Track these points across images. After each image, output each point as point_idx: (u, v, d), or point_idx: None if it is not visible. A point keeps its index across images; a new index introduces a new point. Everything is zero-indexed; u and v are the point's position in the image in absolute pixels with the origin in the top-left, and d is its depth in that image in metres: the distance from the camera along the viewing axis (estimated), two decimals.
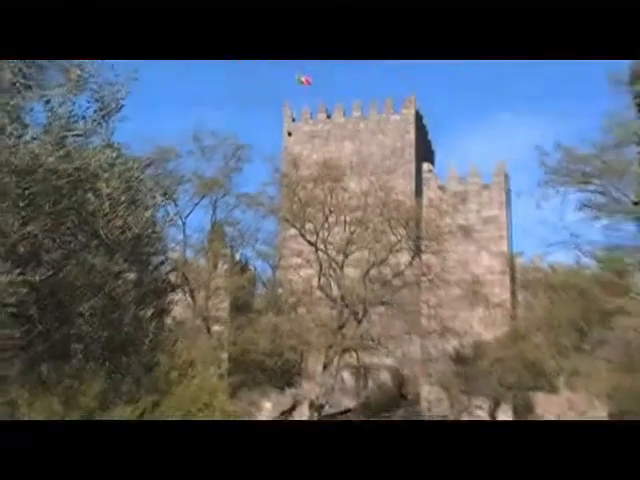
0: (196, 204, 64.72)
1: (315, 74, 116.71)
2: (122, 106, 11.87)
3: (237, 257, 69.34)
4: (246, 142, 64.83)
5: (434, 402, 67.05)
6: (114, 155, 11.47)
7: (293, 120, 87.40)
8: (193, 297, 64.14)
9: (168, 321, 15.15)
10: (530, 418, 69.99)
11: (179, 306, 65.99)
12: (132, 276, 12.44)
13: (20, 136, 10.71)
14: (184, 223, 65.13)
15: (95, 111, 11.60)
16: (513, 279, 69.00)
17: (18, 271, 10.08)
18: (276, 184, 68.35)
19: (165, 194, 53.24)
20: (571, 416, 71.68)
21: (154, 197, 12.68)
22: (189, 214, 64.98)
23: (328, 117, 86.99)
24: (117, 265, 11.88)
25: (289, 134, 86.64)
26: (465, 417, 63.25)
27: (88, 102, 11.63)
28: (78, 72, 10.92)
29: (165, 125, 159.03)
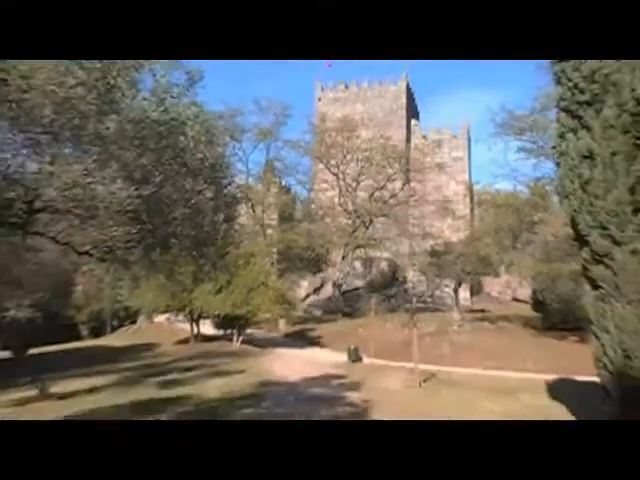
0: (255, 147, 66.06)
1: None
2: (203, 77, 12.52)
3: (283, 183, 70.66)
4: (289, 104, 65.55)
5: (416, 283, 68.58)
6: (197, 110, 12.19)
7: (322, 89, 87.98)
8: (254, 210, 65.05)
9: (235, 226, 15.83)
10: (481, 294, 71.32)
11: (244, 216, 68.13)
12: (210, 193, 13.20)
13: (134, 97, 11.48)
14: (247, 159, 66.48)
15: (186, 80, 12.24)
16: (472, 199, 70.10)
17: (134, 188, 10.95)
18: (310, 133, 69.59)
19: (232, 137, 54.58)
20: (508, 293, 73.03)
21: (224, 138, 13.43)
22: (251, 153, 66.32)
23: (346, 87, 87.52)
24: (199, 185, 12.75)
25: (319, 99, 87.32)
26: (437, 293, 64.64)
27: (180, 74, 12.17)
28: None
29: (234, 91, 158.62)
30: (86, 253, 13.23)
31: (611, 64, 12.89)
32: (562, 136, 14.11)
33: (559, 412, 18.83)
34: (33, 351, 49.92)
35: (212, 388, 25.30)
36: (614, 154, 12.64)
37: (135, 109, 11.03)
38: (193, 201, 12.63)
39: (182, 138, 11.72)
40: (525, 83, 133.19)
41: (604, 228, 12.67)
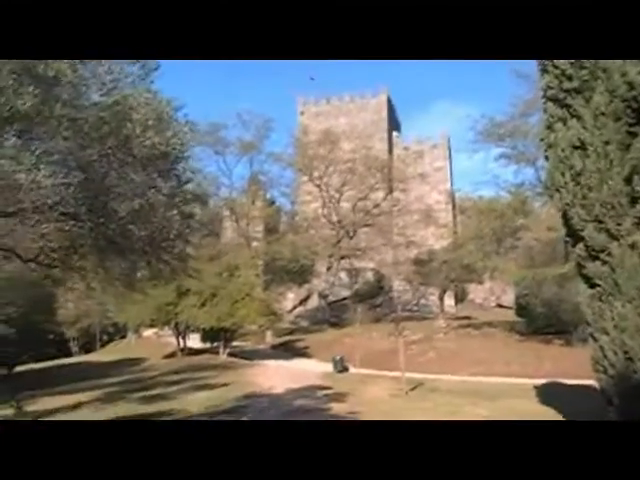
0: (239, 160, 65.34)
1: (320, 73, 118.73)
2: (159, 66, 11.26)
3: (267, 196, 69.63)
4: (272, 117, 65.06)
5: (402, 292, 67.84)
6: (148, 96, 10.92)
7: (304, 104, 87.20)
8: (238, 223, 64.64)
9: (194, 224, 14.36)
10: (465, 301, 70.56)
11: (229, 230, 67.42)
12: (165, 189, 11.85)
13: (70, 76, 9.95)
14: (231, 173, 66.26)
15: (139, 68, 10.95)
16: (454, 207, 69.51)
17: (61, 175, 9.60)
18: (293, 146, 68.61)
19: (216, 151, 53.97)
20: (492, 300, 72.30)
21: (183, 129, 11.93)
22: (234, 167, 66.03)
23: (328, 101, 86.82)
24: (151, 178, 11.35)
25: (301, 113, 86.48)
26: (422, 301, 63.89)
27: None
28: None
29: (218, 105, 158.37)
30: (32, 260, 11.94)
31: None
32: (550, 127, 13.03)
33: (547, 415, 17.86)
34: (21, 368, 49.44)
35: (195, 402, 24.45)
36: (607, 143, 11.55)
37: (68, 89, 9.64)
38: (146, 196, 11.23)
39: (129, 125, 10.36)
40: (502, 93, 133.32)
41: (600, 222, 11.57)
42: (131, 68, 10.79)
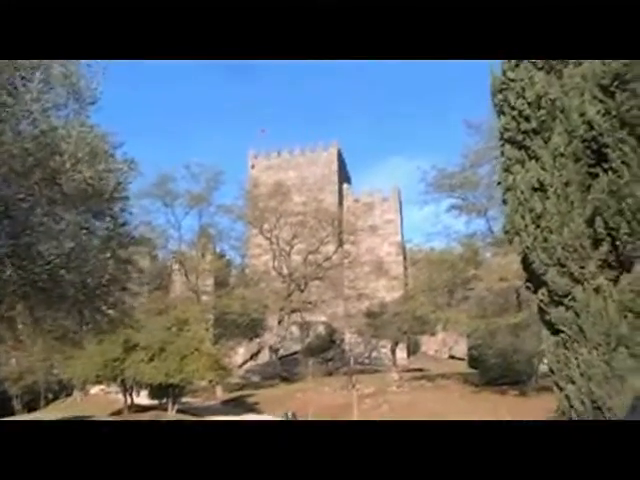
0: (187, 213, 64.40)
1: (270, 127, 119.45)
2: (97, 99, 10.50)
3: (217, 249, 68.55)
4: (222, 169, 64.38)
5: (353, 344, 67.09)
6: (84, 129, 10.10)
7: (255, 157, 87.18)
8: (187, 277, 63.84)
9: (132, 273, 13.31)
10: (418, 353, 70.24)
11: (178, 283, 66.30)
12: (101, 231, 10.98)
13: None
14: (179, 225, 65.19)
15: (72, 99, 10.19)
16: (405, 259, 69.34)
17: None
18: (243, 198, 68.13)
19: (166, 205, 53.16)
20: (444, 351, 72.08)
21: (120, 163, 11.01)
22: (182, 219, 65.57)
23: (278, 154, 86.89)
24: (81, 217, 10.44)
25: (252, 167, 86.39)
26: (374, 354, 63.30)
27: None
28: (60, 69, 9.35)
29: (163, 155, 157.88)
30: None
31: (557, 89, 11.58)
32: (507, 169, 12.64)
33: None
34: None
35: None
36: (567, 184, 11.18)
37: None
38: (78, 238, 10.27)
39: (58, 158, 9.52)
40: (454, 145, 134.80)
41: (562, 265, 11.10)
42: (64, 99, 10.08)
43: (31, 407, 70.17)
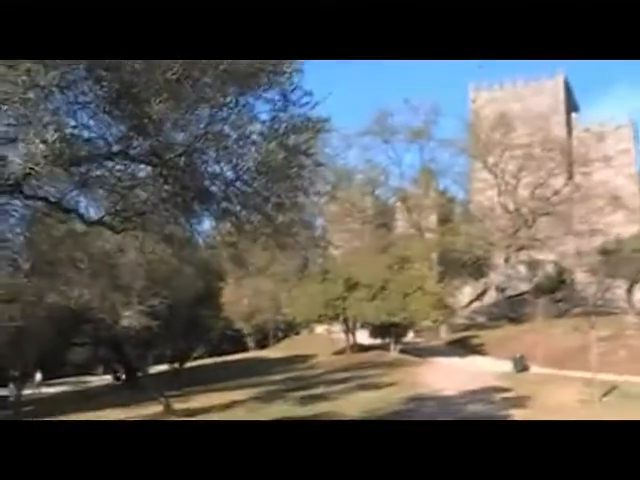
0: (407, 149, 63.58)
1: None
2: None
3: (440, 185, 66.88)
4: (441, 103, 62.45)
5: (585, 284, 63.23)
6: None
7: (476, 90, 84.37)
8: (409, 214, 62.64)
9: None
10: None
11: (400, 220, 65.40)
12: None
13: None
14: (400, 162, 63.63)
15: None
16: None
17: None
18: (465, 132, 65.19)
19: (385, 141, 52.85)
20: None
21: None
22: (403, 156, 64.28)
23: (500, 86, 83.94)
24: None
25: (473, 100, 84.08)
26: (608, 295, 59.10)
27: None
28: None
29: (381, 90, 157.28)
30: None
31: None
32: None
33: None
34: (193, 364, 50.63)
35: (355, 404, 22.46)
36: None
37: None
38: None
39: None
40: None
41: None
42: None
43: (262, 345, 75.20)
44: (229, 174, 9.83)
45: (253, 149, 9.38)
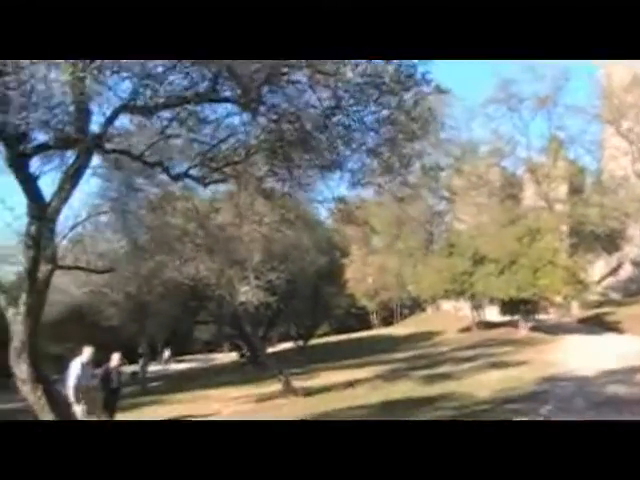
0: (534, 117, 61.03)
1: None
2: None
3: (570, 154, 63.73)
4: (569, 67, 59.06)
5: None
6: None
7: None
8: (538, 185, 60.17)
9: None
10: None
11: (528, 192, 62.83)
12: None
13: None
14: (527, 131, 61.46)
15: None
16: None
17: None
18: (595, 97, 61.57)
19: (511, 109, 51.01)
20: None
21: None
22: (530, 123, 61.89)
23: None
24: None
25: None
26: None
27: None
28: None
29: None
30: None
31: None
32: None
33: None
34: (318, 341, 50.86)
35: (484, 385, 21.01)
36: None
37: None
38: None
39: None
40: None
41: None
42: None
43: (387, 322, 77.19)
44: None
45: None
